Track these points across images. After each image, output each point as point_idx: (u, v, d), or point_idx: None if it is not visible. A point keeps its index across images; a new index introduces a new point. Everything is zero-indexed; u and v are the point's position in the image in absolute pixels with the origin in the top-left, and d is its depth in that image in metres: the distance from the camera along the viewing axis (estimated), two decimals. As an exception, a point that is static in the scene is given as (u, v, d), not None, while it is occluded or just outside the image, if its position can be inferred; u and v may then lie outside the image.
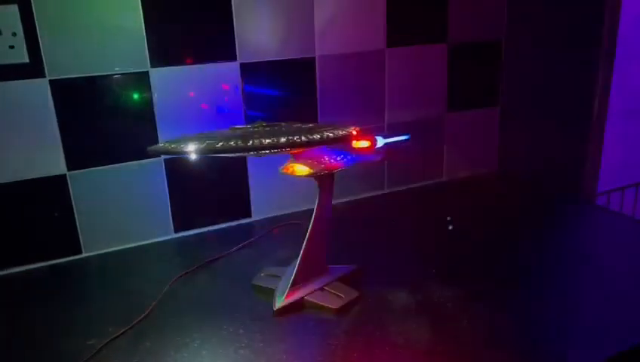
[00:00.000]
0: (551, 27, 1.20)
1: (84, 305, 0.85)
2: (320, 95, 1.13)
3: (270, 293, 0.83)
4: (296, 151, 0.78)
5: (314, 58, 1.11)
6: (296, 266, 0.81)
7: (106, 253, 1.02)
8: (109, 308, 0.83)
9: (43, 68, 0.90)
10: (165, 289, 0.86)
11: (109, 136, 0.98)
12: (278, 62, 1.08)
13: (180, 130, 0.99)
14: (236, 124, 1.05)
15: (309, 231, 0.81)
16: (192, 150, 0.70)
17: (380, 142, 0.79)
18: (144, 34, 0.96)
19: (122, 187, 1.01)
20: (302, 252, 0.81)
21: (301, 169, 0.78)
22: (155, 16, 0.96)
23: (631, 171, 1.37)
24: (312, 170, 0.78)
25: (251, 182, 1.12)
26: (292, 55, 1.09)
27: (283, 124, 0.84)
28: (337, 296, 0.81)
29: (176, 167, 1.04)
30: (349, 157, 0.80)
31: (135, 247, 1.04)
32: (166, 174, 1.04)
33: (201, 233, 1.09)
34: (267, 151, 0.70)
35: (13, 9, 0.86)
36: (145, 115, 0.99)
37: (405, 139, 0.85)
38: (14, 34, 0.87)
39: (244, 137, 0.70)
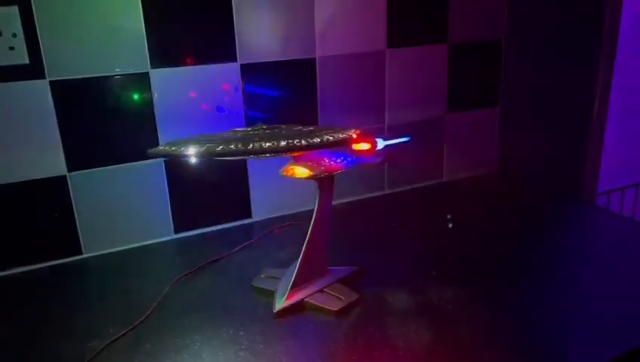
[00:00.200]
0: (551, 27, 1.20)
1: (85, 305, 0.85)
2: (320, 96, 1.13)
3: (270, 295, 0.83)
4: (296, 154, 0.78)
5: (314, 59, 1.11)
6: (297, 268, 0.81)
7: (106, 254, 1.02)
8: (109, 309, 0.83)
9: (43, 69, 0.90)
10: (165, 290, 0.86)
11: (109, 137, 0.98)
12: (278, 62, 1.08)
13: (180, 130, 0.99)
14: (236, 125, 1.05)
15: (309, 233, 0.81)
16: (192, 153, 0.70)
17: (380, 144, 0.79)
18: (144, 35, 0.96)
19: (122, 188, 1.01)
20: (302, 254, 0.81)
21: (301, 171, 0.78)
22: (155, 17, 0.96)
23: (631, 171, 1.37)
24: (312, 173, 0.78)
25: (251, 182, 1.12)
26: (292, 56, 1.09)
27: (283, 126, 0.84)
28: (337, 297, 0.81)
29: (176, 167, 1.04)
30: (349, 159, 0.80)
31: (135, 248, 1.04)
32: (166, 175, 1.04)
33: (202, 234, 1.09)
34: (267, 155, 0.70)
35: (14, 10, 0.86)
36: (145, 116, 0.99)
37: (405, 142, 0.85)
38: (14, 35, 0.87)
39: (244, 140, 0.70)
